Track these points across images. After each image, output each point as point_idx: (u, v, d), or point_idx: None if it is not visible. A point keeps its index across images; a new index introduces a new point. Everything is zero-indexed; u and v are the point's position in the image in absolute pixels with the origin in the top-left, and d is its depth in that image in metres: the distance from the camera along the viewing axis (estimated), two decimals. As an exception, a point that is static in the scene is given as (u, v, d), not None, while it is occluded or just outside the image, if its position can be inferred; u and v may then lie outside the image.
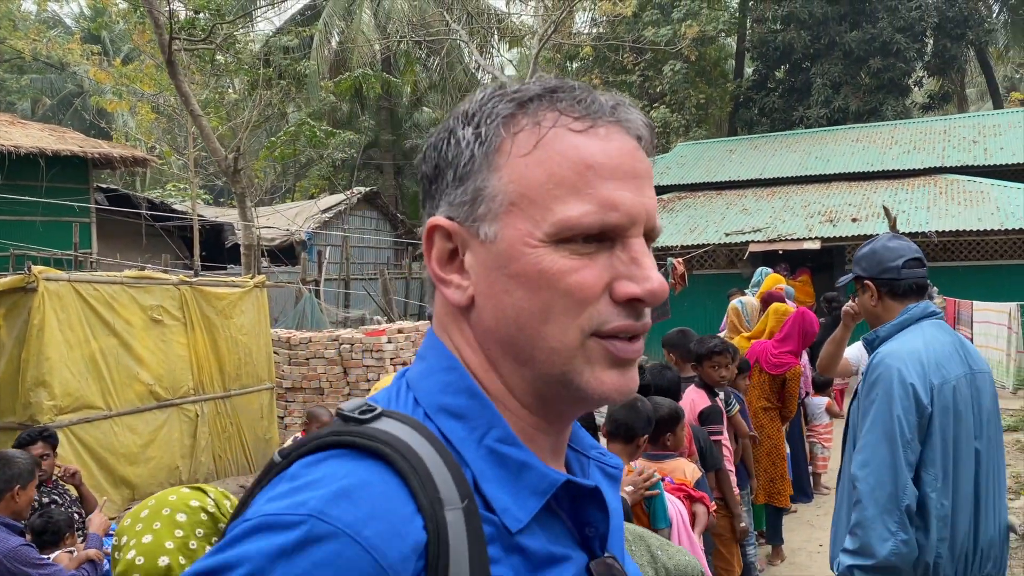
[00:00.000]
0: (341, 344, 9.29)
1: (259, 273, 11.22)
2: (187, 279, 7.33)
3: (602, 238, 0.74)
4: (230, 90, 22.92)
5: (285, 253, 18.49)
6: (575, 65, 28.49)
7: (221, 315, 7.39)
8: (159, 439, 6.74)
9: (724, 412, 4.42)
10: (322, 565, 0.61)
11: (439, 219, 0.79)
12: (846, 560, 2.43)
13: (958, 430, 2.41)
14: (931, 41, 25.11)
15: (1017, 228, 13.58)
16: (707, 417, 4.32)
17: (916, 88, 28.20)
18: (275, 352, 9.42)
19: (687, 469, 3.52)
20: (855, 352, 3.98)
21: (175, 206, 19.94)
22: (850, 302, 3.65)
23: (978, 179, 16.44)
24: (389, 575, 0.63)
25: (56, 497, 4.36)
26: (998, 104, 28.68)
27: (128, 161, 15.89)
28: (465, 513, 0.69)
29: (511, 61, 33.66)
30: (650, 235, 0.78)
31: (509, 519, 0.72)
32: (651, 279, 0.74)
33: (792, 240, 14.88)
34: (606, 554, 0.80)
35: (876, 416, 2.45)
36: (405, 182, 31.00)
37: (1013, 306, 7.77)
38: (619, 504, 0.88)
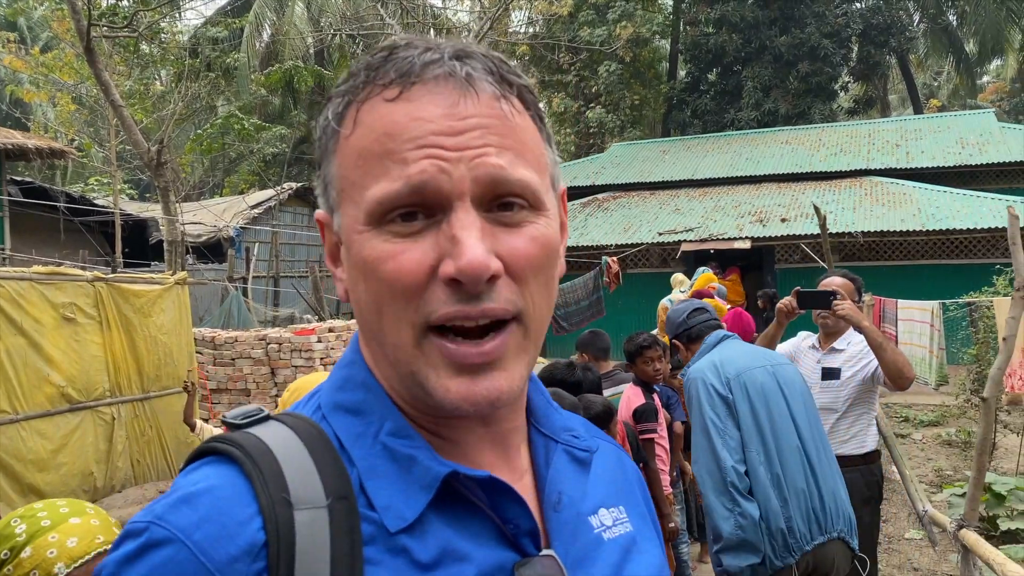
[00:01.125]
0: (268, 344, 9.00)
1: (183, 270, 10.83)
2: (102, 275, 6.97)
3: (427, 214, 0.67)
4: (156, 82, 22.19)
5: (213, 250, 17.95)
6: (512, 63, 28.42)
7: (139, 313, 7.05)
8: (72, 444, 6.39)
9: (659, 410, 4.37)
10: (156, 568, 0.62)
11: (318, 212, 0.77)
12: (711, 550, 2.79)
13: (769, 407, 2.78)
14: (856, 47, 25.87)
15: (937, 229, 14.04)
16: (641, 415, 4.27)
17: (842, 93, 29.02)
18: (199, 352, 9.08)
19: None
20: (787, 348, 4.02)
21: (97, 200, 19.17)
22: (785, 299, 3.70)
23: (901, 181, 16.97)
24: None
25: (-50, 508, 4.06)
26: (918, 110, 29.72)
27: (44, 153, 15.18)
28: (330, 512, 0.66)
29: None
30: (500, 194, 0.68)
31: (390, 518, 0.68)
32: (464, 254, 0.64)
33: (723, 240, 15.10)
34: (543, 552, 0.72)
35: (694, 419, 2.91)
36: (339, 179, 30.56)
37: (935, 304, 7.97)
38: (581, 492, 0.80)
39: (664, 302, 7.16)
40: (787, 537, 2.66)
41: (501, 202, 0.68)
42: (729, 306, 7.55)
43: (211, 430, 5.57)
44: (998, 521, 5.91)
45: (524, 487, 0.77)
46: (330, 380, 0.78)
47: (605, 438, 0.92)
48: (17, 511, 1.63)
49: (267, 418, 0.73)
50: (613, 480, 0.86)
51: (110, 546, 1.55)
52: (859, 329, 3.56)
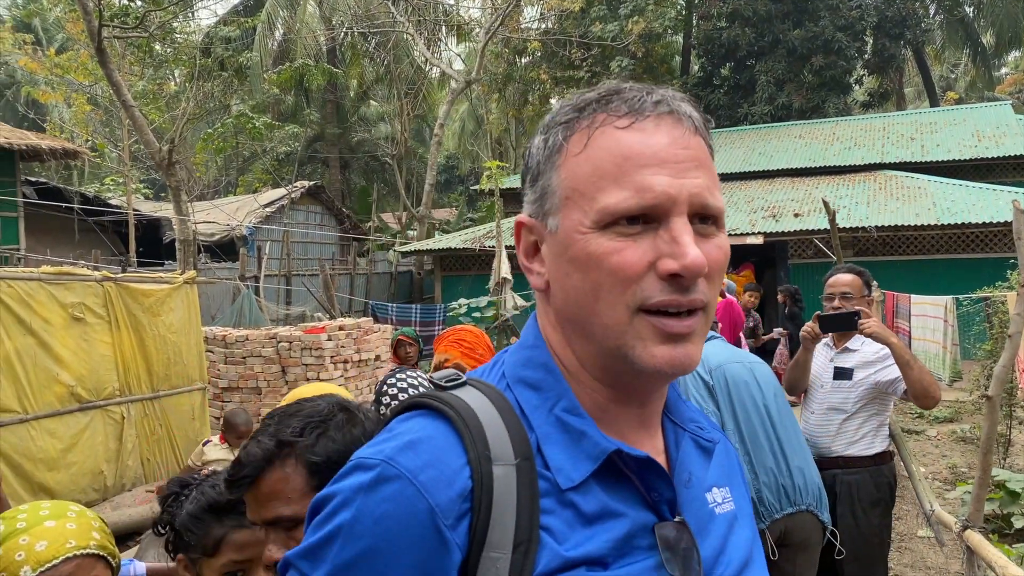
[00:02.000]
0: (279, 342, 9.02)
1: (195, 269, 10.87)
2: (111, 275, 7.00)
3: (646, 220, 0.82)
4: (170, 82, 22.29)
5: (225, 249, 18.03)
6: (523, 60, 28.37)
7: (148, 313, 7.08)
8: (82, 443, 6.43)
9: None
10: (387, 500, 0.77)
11: (521, 216, 0.93)
12: None
13: (743, 396, 3.08)
14: (871, 40, 25.59)
15: (953, 223, 13.88)
16: None
17: (857, 86, 28.74)
18: (210, 351, 9.12)
19: None
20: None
21: (111, 200, 19.28)
22: (807, 324, 3.65)
23: (916, 175, 16.79)
24: (436, 513, 0.77)
25: (-43, 508, 4.08)
26: (935, 103, 29.39)
27: (58, 153, 15.27)
28: (517, 469, 0.81)
29: (459, 55, 33.42)
30: (702, 213, 0.84)
31: (562, 478, 0.82)
32: (687, 255, 0.80)
33: (736, 235, 14.99)
34: (676, 518, 0.87)
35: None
36: (352, 176, 30.57)
37: (949, 300, 7.86)
38: (705, 473, 0.96)
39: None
40: (757, 506, 2.92)
41: (705, 219, 0.84)
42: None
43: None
44: (1012, 519, 5.83)
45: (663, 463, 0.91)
46: (514, 357, 0.93)
47: (719, 429, 1.05)
48: (7, 511, 1.62)
49: (465, 383, 0.89)
50: (721, 464, 0.99)
51: (90, 549, 1.54)
52: (887, 345, 3.48)
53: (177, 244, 12.53)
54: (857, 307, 3.62)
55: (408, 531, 0.76)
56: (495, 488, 0.79)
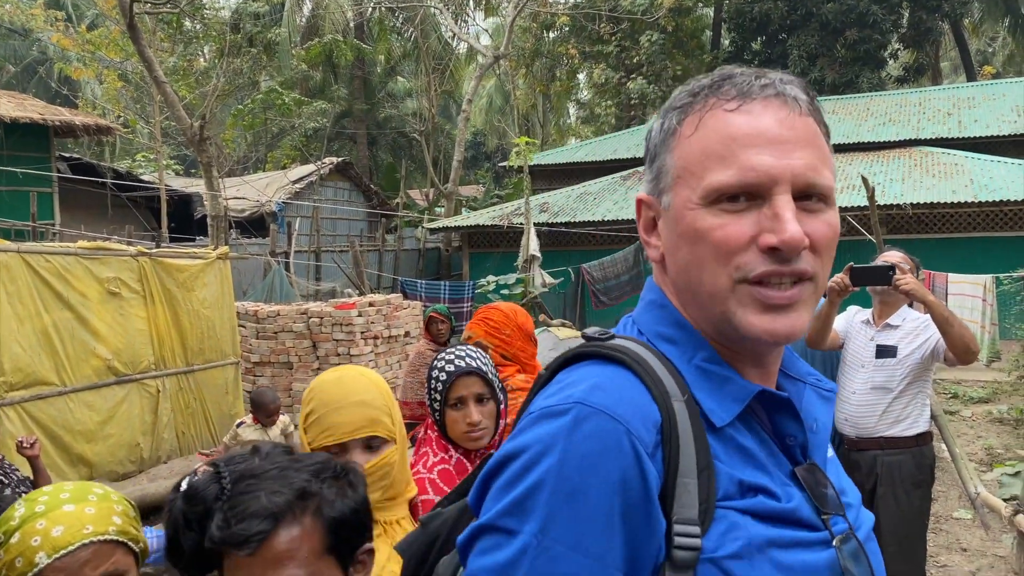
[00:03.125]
0: (310, 318, 9.07)
1: (227, 244, 10.94)
2: (145, 250, 7.06)
3: (751, 197, 0.87)
4: (200, 58, 22.35)
5: (255, 225, 18.14)
6: (552, 35, 28.09)
7: (182, 288, 7.14)
8: (118, 415, 6.52)
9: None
10: (591, 437, 0.81)
11: (640, 194, 1.00)
12: None
13: None
14: (907, 13, 25.01)
15: (991, 200, 13.60)
16: None
17: (891, 60, 28.14)
18: (242, 326, 9.19)
19: None
20: (839, 325, 3.89)
21: (143, 176, 19.45)
22: (837, 276, 3.53)
23: (952, 151, 16.44)
24: (636, 443, 0.82)
25: (1, 477, 4.15)
26: (971, 77, 28.71)
27: (91, 129, 15.42)
28: (687, 404, 0.87)
29: (487, 30, 33.18)
30: (808, 191, 0.88)
31: (715, 418, 0.88)
32: (787, 230, 0.84)
33: (767, 212, 14.78)
34: (808, 461, 0.93)
35: None
36: (379, 152, 30.57)
37: (988, 278, 7.70)
38: (828, 421, 1.00)
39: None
40: None
41: (813, 196, 0.89)
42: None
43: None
44: (1050, 501, 5.73)
45: None
46: (646, 316, 0.99)
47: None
48: (31, 493, 1.58)
49: (614, 336, 0.96)
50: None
51: (109, 535, 1.48)
52: (925, 303, 3.36)
53: (209, 220, 12.62)
54: (893, 263, 3.50)
55: (615, 464, 0.81)
56: (678, 420, 0.86)
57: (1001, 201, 13.48)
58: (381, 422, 1.82)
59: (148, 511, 4.86)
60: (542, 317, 12.80)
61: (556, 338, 11.02)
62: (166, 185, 16.87)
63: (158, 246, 8.95)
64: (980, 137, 17.03)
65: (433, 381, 2.30)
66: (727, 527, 0.83)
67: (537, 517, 0.79)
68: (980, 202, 13.66)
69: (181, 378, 7.19)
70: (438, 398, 2.26)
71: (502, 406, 2.34)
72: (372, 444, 1.82)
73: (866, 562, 0.91)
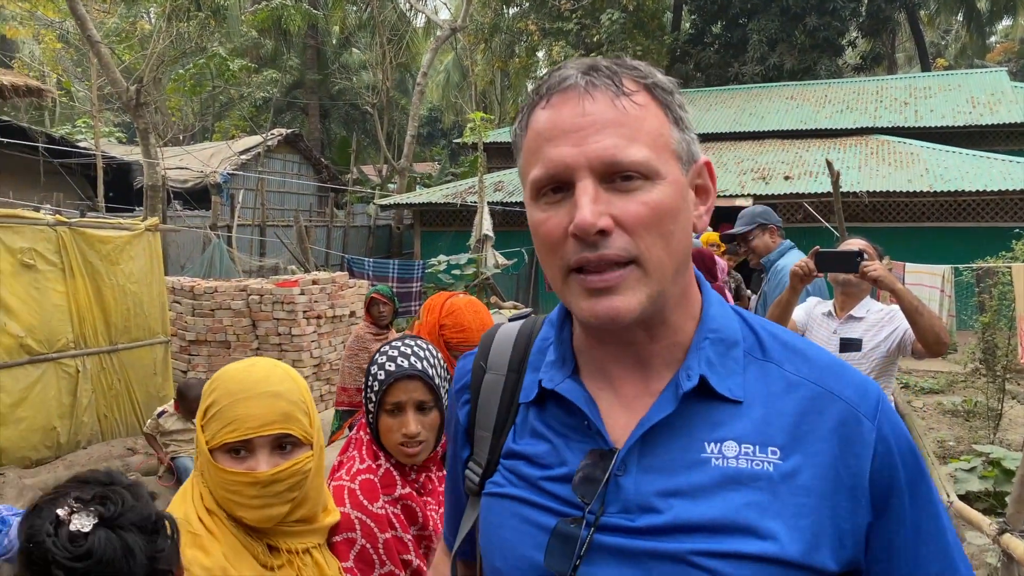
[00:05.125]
0: (249, 295, 8.60)
1: (163, 215, 10.38)
2: (64, 220, 6.53)
3: (564, 188, 0.91)
4: (145, 20, 21.40)
5: (198, 196, 17.43)
6: (511, 10, 27.59)
7: (106, 261, 6.63)
8: (32, 398, 6.02)
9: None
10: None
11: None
12: None
13: None
14: (866, 1, 25.08)
15: (946, 191, 13.61)
16: None
17: (850, 49, 28.27)
18: (177, 302, 8.70)
19: None
20: (799, 316, 3.63)
21: (81, 143, 18.54)
22: (801, 260, 3.27)
23: (908, 141, 16.48)
24: (455, 392, 1.17)
25: None
26: (926, 68, 28.98)
27: (21, 91, 14.51)
28: (505, 379, 1.09)
29: (445, 3, 32.52)
30: (615, 171, 0.89)
31: (521, 395, 1.06)
32: (579, 215, 0.88)
33: (725, 197, 14.64)
34: (611, 448, 0.95)
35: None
36: (331, 125, 29.82)
37: (947, 269, 7.58)
38: (719, 423, 0.95)
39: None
40: None
41: (622, 175, 0.89)
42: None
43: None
44: (1007, 499, 5.61)
45: (642, 405, 0.96)
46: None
47: (827, 384, 0.96)
48: None
49: (528, 316, 1.19)
50: (776, 423, 0.93)
51: None
52: (893, 292, 3.12)
53: (145, 189, 11.97)
54: (861, 248, 3.25)
55: (449, 400, 1.20)
56: (483, 388, 1.10)
57: (956, 192, 13.50)
58: (296, 419, 1.51)
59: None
60: (494, 299, 12.48)
61: (507, 321, 10.73)
62: (104, 152, 16.07)
63: (84, 215, 8.37)
64: (935, 127, 17.10)
65: (370, 379, 1.94)
66: (498, 477, 1.05)
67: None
68: (935, 192, 13.67)
69: (104, 358, 6.70)
70: (373, 399, 1.91)
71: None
72: (284, 445, 1.50)
73: (570, 548, 0.92)
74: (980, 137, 16.90)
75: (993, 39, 38.99)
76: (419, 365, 1.90)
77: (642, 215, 0.88)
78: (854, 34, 27.17)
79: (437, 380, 1.92)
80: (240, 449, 1.47)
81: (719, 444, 0.92)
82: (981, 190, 13.17)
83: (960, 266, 7.95)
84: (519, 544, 0.98)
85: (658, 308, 0.93)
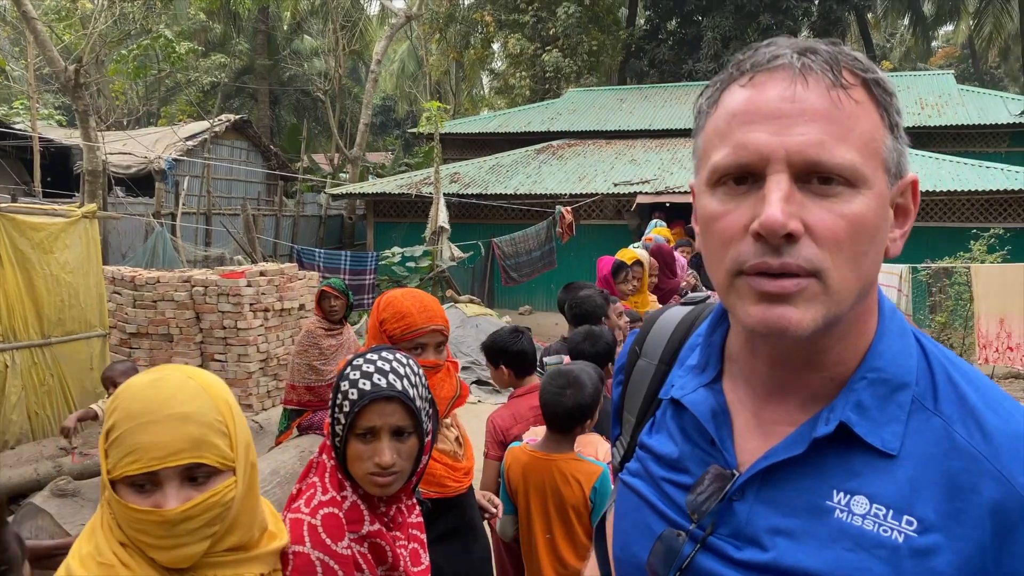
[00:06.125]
0: (193, 286, 8.25)
1: (103, 202, 9.93)
2: (-8, 205, 6.14)
3: (752, 179, 0.82)
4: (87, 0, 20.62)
5: (142, 183, 16.84)
6: (467, 1, 27.32)
7: (39, 249, 6.24)
8: (-45, 394, 5.65)
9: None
10: None
11: (691, 180, 0.96)
12: None
13: None
14: (817, 1, 25.41)
15: (896, 190, 13.77)
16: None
17: (801, 48, 28.63)
18: (117, 293, 8.31)
19: (600, 446, 2.94)
20: None
21: (17, 125, 17.77)
22: None
23: (860, 140, 16.68)
24: (614, 370, 1.19)
25: None
26: (874, 69, 29.45)
27: (-49, 69, 13.85)
28: (655, 368, 1.06)
29: (400, -9, 32.05)
30: (813, 171, 0.79)
31: (663, 392, 1.03)
32: (767, 212, 0.78)
33: (680, 193, 14.63)
34: (732, 470, 0.90)
35: None
36: (282, 112, 29.20)
37: (904, 268, 7.59)
38: (860, 475, 0.85)
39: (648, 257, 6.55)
40: None
41: (821, 177, 0.79)
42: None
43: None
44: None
45: (779, 433, 0.88)
46: None
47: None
48: None
49: (702, 301, 1.14)
50: (930, 493, 0.81)
51: None
52: None
53: (84, 175, 11.45)
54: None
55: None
56: (634, 373, 1.10)
57: (906, 191, 13.66)
58: (210, 445, 1.29)
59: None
60: (449, 292, 12.26)
61: (464, 315, 10.50)
62: (41, 135, 15.41)
63: (15, 200, 7.92)
64: (886, 127, 17.33)
65: (339, 396, 1.69)
66: (633, 464, 1.04)
67: None
68: (886, 191, 13.83)
69: (35, 352, 6.32)
70: (342, 420, 1.66)
71: (427, 439, 1.75)
72: (196, 476, 1.28)
73: (671, 559, 0.90)
74: (928, 138, 17.18)
75: (935, 44, 39.93)
76: (398, 385, 1.67)
77: (838, 227, 0.79)
78: (805, 33, 27.52)
79: (418, 402, 1.70)
80: (144, 483, 1.26)
81: (849, 496, 0.83)
82: (931, 190, 13.35)
83: (919, 265, 7.99)
84: (633, 540, 0.99)
85: (829, 332, 0.83)
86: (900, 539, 0.79)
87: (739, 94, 0.84)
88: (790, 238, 0.78)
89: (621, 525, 1.03)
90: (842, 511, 0.82)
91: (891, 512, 0.80)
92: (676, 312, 1.10)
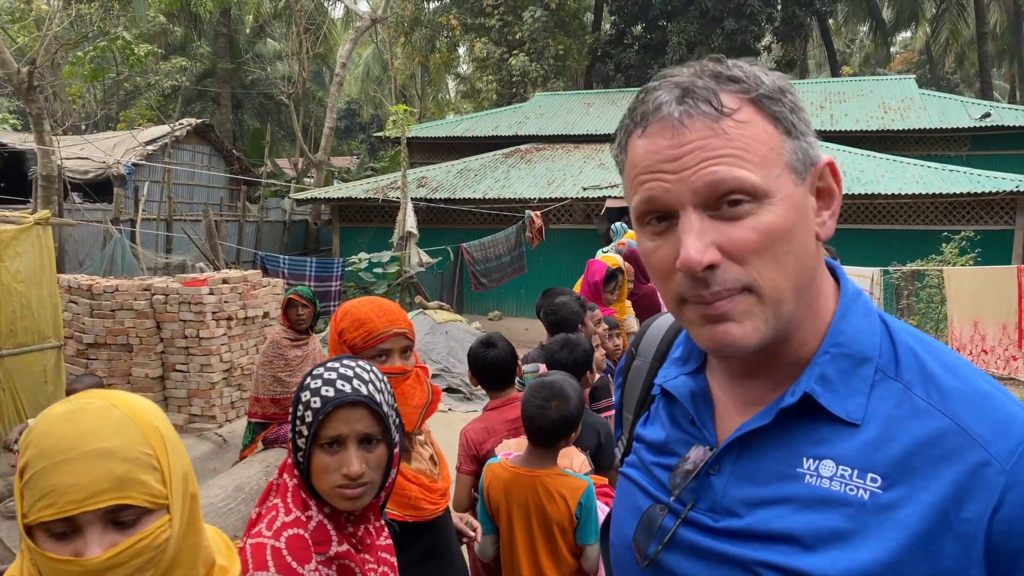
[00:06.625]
0: (153, 295, 7.99)
1: (58, 209, 9.61)
2: (-62, 211, 5.86)
3: (668, 217, 0.88)
4: (42, 1, 20.12)
5: (100, 189, 16.42)
6: (433, 4, 27.16)
7: (-11, 257, 5.99)
8: (-101, 410, 5.37)
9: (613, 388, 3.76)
10: None
11: None
12: None
13: None
14: (780, 6, 25.65)
15: (863, 193, 13.88)
16: (598, 391, 3.65)
17: (766, 53, 28.90)
18: (74, 302, 8.03)
19: (575, 458, 2.82)
20: None
21: (-30, 129, 17.26)
22: None
23: (825, 144, 16.77)
24: (616, 370, 1.28)
25: None
26: (835, 74, 29.93)
27: (-101, 70, 13.35)
28: (649, 366, 1.14)
29: (364, -5, 31.80)
30: (717, 198, 0.85)
31: (654, 387, 1.09)
32: (683, 254, 0.85)
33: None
34: (710, 445, 0.96)
35: None
36: (244, 116, 28.79)
37: (876, 271, 7.60)
38: (823, 442, 0.92)
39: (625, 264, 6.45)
40: None
41: (728, 200, 0.85)
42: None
43: None
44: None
45: (754, 412, 0.94)
46: None
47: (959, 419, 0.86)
48: None
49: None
50: (892, 451, 0.85)
51: None
52: None
53: (39, 181, 11.10)
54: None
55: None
56: (630, 371, 1.19)
57: (872, 194, 13.77)
58: (136, 483, 1.13)
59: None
60: (418, 299, 12.08)
61: (433, 321, 10.33)
62: (-7, 139, 14.96)
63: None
64: (850, 131, 17.53)
65: (300, 407, 1.56)
66: (631, 457, 1.08)
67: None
68: (853, 195, 13.91)
69: (-15, 365, 6.05)
70: (304, 432, 1.54)
71: (396, 449, 1.63)
72: (122, 519, 1.13)
73: (654, 533, 0.97)
74: (892, 142, 17.39)
75: (894, 49, 40.63)
76: (363, 390, 1.55)
77: (751, 242, 0.85)
78: (768, 39, 27.79)
79: (385, 408, 1.58)
80: (63, 529, 1.11)
81: (818, 461, 0.88)
82: (896, 193, 13.47)
83: (890, 268, 7.99)
84: (625, 522, 1.03)
85: (780, 332, 0.89)
86: (866, 496, 0.84)
87: (639, 145, 0.90)
88: (711, 267, 0.84)
89: (617, 513, 1.08)
90: (811, 476, 0.87)
91: (856, 472, 0.85)
92: (668, 316, 1.16)
